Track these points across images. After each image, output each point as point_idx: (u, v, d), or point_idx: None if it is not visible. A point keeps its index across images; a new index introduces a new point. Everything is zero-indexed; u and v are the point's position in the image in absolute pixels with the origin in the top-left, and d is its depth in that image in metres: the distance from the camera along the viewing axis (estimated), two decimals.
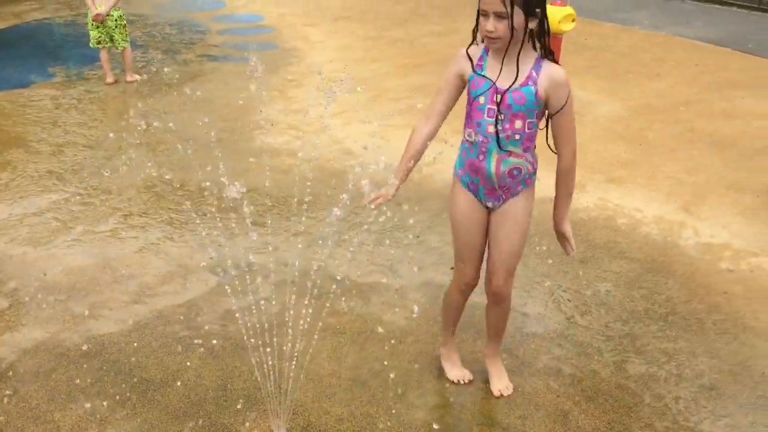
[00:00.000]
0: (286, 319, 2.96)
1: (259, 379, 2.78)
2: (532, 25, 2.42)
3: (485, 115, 2.53)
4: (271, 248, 3.92)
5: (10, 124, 5.71)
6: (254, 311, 3.15)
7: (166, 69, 7.08)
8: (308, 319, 2.90)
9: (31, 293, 3.54)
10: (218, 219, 4.31)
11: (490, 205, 2.71)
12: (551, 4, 6.17)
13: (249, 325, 2.99)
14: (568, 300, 3.62)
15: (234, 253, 3.91)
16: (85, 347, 3.15)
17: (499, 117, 2.50)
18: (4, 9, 9.29)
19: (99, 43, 6.60)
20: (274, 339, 2.88)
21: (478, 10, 2.41)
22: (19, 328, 3.28)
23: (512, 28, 2.37)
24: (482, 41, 2.50)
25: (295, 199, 4.43)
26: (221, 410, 2.81)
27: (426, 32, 8.91)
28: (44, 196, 4.54)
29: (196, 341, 3.20)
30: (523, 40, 2.44)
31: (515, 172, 2.62)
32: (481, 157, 2.60)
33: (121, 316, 3.38)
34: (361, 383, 2.97)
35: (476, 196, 2.71)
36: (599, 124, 6.08)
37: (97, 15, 6.40)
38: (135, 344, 3.18)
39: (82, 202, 4.48)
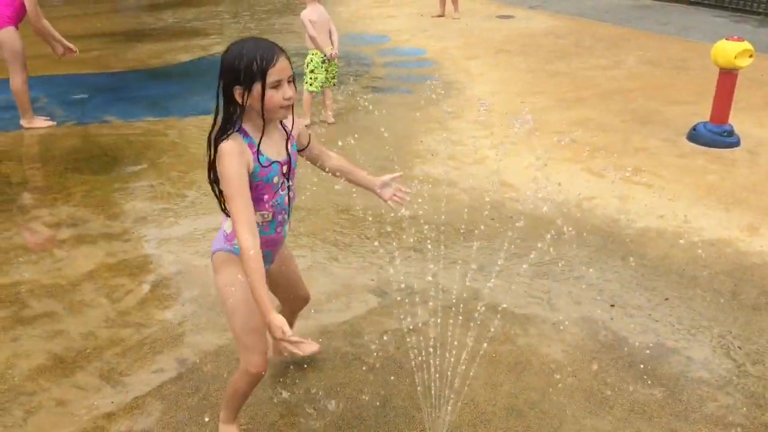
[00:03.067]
0: (445, 343, 3.05)
1: (419, 400, 2.88)
2: None
3: (279, 190, 2.52)
4: (430, 274, 4.04)
5: (196, 147, 6.26)
6: (413, 334, 3.27)
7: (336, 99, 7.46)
8: (466, 345, 2.98)
9: (211, 301, 3.86)
10: (379, 243, 4.51)
11: (269, 266, 2.67)
12: (726, 39, 5.94)
13: (408, 347, 3.11)
14: (739, 347, 3.45)
15: (394, 276, 4.08)
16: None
17: (290, 184, 2.57)
18: (192, 42, 10.21)
19: (322, 85, 6.75)
20: (432, 362, 2.98)
21: (261, 84, 2.30)
22: (201, 332, 3.60)
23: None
24: (237, 128, 2.38)
25: (454, 228, 4.55)
26: (380, 425, 2.94)
27: (589, 65, 8.80)
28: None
29: (357, 358, 3.36)
30: None
31: (285, 229, 2.69)
32: (279, 229, 2.61)
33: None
34: (517, 412, 3.00)
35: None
36: None
37: (333, 55, 6.66)
38: (302, 358, 3.39)
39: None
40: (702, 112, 6.50)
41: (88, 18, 11.90)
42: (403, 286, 3.87)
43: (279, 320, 2.20)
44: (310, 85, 6.72)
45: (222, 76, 2.37)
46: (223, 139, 2.36)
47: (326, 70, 6.71)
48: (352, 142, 6.13)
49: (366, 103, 7.48)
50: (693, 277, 4.05)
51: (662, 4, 12.80)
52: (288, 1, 13.65)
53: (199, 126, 6.76)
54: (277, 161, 2.45)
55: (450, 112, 7.15)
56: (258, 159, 2.39)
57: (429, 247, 4.36)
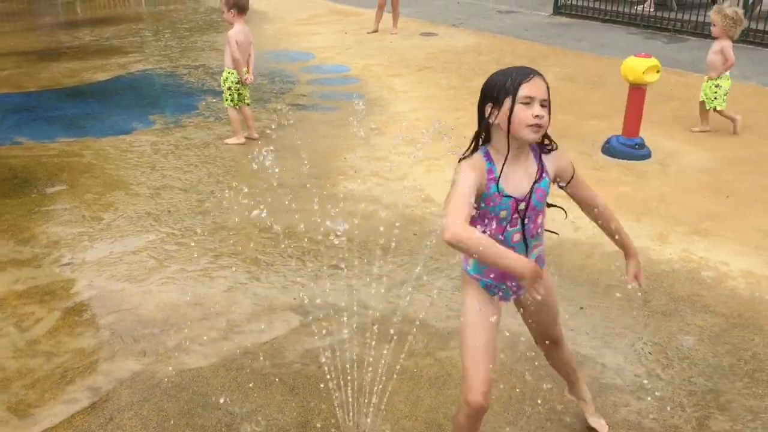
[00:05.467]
0: (366, 360, 3.05)
1: (338, 418, 2.87)
2: None
3: (508, 226, 2.40)
4: (352, 291, 4.04)
5: (113, 168, 6.11)
6: (335, 352, 3.26)
7: (257, 117, 7.40)
8: (387, 361, 2.99)
9: (127, 326, 3.76)
10: (302, 261, 4.48)
11: (515, 297, 2.61)
12: (635, 56, 6.18)
13: (329, 365, 3.10)
14: (649, 353, 3.57)
15: (316, 294, 4.06)
16: (175, 379, 3.32)
17: (525, 222, 2.41)
18: (110, 60, 9.97)
19: (236, 103, 6.71)
20: (354, 379, 2.97)
21: (511, 98, 2.29)
22: (116, 358, 3.49)
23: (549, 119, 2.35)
24: (479, 147, 2.41)
25: (377, 244, 4.57)
26: None
27: None
28: (142, 236, 4.83)
29: (278, 378, 3.33)
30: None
31: (539, 262, 2.51)
32: None
33: (209, 351, 3.55)
34: (437, 426, 3.02)
35: (499, 295, 2.55)
36: (685, 174, 5.98)
37: (248, 80, 6.58)
38: (222, 378, 3.33)
39: (177, 242, 4.74)
40: (616, 126, 6.74)
41: (1, 36, 11.48)
42: (325, 303, 3.86)
43: (531, 263, 2.23)
44: (231, 100, 6.67)
45: (480, 96, 2.41)
46: (465, 157, 2.40)
47: (238, 92, 6.66)
48: (276, 160, 6.11)
49: (290, 120, 7.45)
50: (607, 287, 4.18)
51: (579, 21, 13.24)
52: (210, 18, 13.50)
53: (116, 146, 6.60)
54: (511, 196, 2.35)
55: (373, 128, 7.20)
56: (491, 186, 2.33)
57: (351, 264, 4.36)
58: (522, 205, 2.38)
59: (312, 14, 13.94)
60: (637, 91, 6.23)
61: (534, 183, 2.39)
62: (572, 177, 2.53)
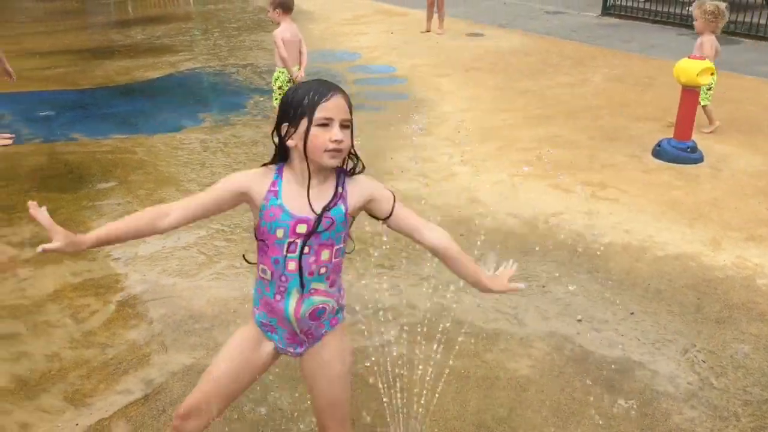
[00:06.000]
0: (413, 360, 3.06)
1: (386, 417, 2.88)
2: None
3: (284, 251, 2.13)
4: (398, 291, 4.05)
5: (164, 165, 6.22)
6: (382, 351, 3.27)
7: None
8: (434, 362, 2.99)
9: (179, 320, 3.83)
10: (348, 260, 4.50)
11: (291, 350, 2.32)
12: (689, 57, 6.07)
13: (377, 364, 3.11)
14: (703, 361, 3.50)
15: (362, 293, 4.08)
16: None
17: (304, 251, 2.12)
18: (161, 58, 10.16)
19: None
20: (401, 379, 2.98)
21: (308, 120, 2.06)
22: (168, 352, 3.56)
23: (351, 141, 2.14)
24: (276, 163, 2.19)
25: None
26: None
27: (557, 83, 8.93)
28: (192, 232, 4.91)
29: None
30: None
31: (318, 313, 2.23)
32: (278, 297, 2.20)
33: None
34: (485, 428, 3.01)
35: (274, 339, 2.32)
36: (738, 178, 5.85)
37: (299, 77, 6.59)
38: (270, 375, 3.37)
39: (226, 239, 4.81)
40: (666, 129, 6.63)
41: (57, 35, 11.78)
42: (371, 303, 3.87)
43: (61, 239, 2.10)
44: (278, 100, 6.72)
45: (278, 113, 2.17)
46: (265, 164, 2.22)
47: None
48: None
49: None
50: (658, 291, 4.11)
51: (628, 22, 13.04)
52: (258, 18, 13.66)
53: (167, 143, 6.73)
54: (291, 214, 2.11)
55: (420, 129, 7.20)
56: (270, 197, 2.13)
57: (398, 264, 4.37)
58: (301, 227, 2.11)
59: (358, 14, 14.00)
60: (690, 94, 6.12)
61: (324, 208, 2.12)
62: (391, 213, 2.22)
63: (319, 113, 2.06)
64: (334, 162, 2.11)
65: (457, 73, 9.45)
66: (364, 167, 2.24)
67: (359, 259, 4.46)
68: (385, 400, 3.00)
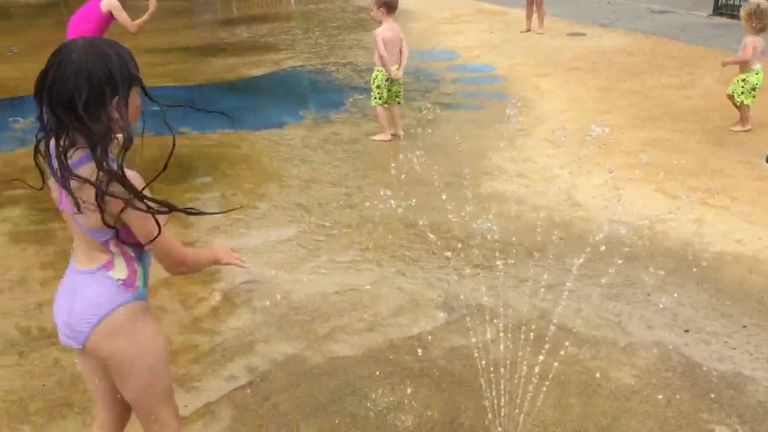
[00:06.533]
0: (513, 363, 3.03)
1: (486, 419, 2.87)
2: None
3: None
4: (498, 292, 4.02)
5: (267, 160, 6.40)
6: (481, 352, 3.25)
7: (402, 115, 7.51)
8: (534, 366, 2.95)
9: (281, 312, 3.94)
10: (447, 259, 4.51)
11: None
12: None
13: (476, 364, 3.10)
14: None
15: (461, 293, 4.08)
16: (325, 367, 3.44)
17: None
18: (265, 57, 10.46)
19: (386, 101, 6.80)
20: (501, 381, 2.96)
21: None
22: (271, 341, 3.67)
23: None
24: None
25: (522, 246, 4.52)
26: None
27: (663, 84, 8.62)
28: (293, 226, 5.03)
29: (425, 373, 3.37)
30: None
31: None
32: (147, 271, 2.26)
33: (357, 341, 3.65)
34: None
35: None
36: None
37: (396, 76, 6.64)
38: (369, 369, 3.42)
39: (326, 234, 4.90)
40: None
41: (167, 33, 12.32)
42: (470, 303, 3.87)
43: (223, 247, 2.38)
44: (379, 99, 6.78)
45: None
46: None
47: (388, 89, 6.76)
48: (422, 157, 6.19)
49: (434, 119, 7.51)
50: None
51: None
52: (358, 17, 13.83)
53: (270, 139, 6.92)
54: None
55: (519, 129, 7.11)
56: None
57: (497, 264, 4.34)
58: None
59: (457, 13, 13.96)
60: None
61: None
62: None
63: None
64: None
65: (558, 73, 9.28)
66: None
67: (457, 258, 4.47)
68: (484, 403, 2.99)
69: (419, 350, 3.55)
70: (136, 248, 2.13)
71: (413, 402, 3.17)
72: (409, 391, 3.25)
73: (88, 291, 2.09)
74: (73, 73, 1.91)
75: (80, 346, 2.13)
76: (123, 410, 2.37)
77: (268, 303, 4.03)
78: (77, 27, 6.47)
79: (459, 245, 4.61)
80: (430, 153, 6.34)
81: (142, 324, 2.17)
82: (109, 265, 2.11)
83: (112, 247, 2.10)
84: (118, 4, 6.45)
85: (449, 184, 5.58)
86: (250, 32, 12.42)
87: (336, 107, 7.97)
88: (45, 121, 1.97)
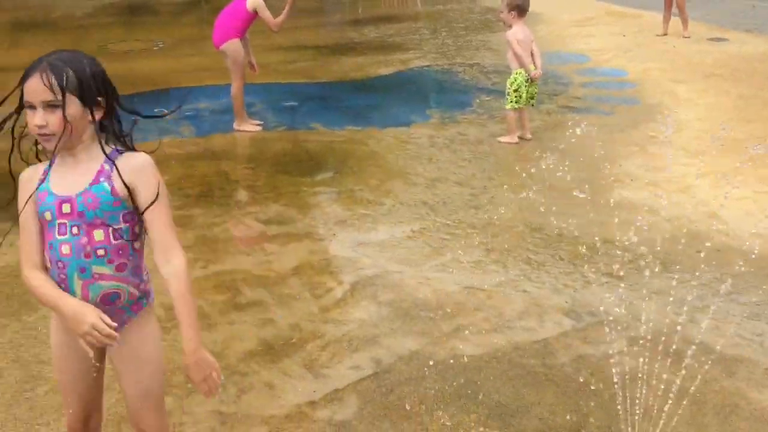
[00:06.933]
0: (643, 377, 2.94)
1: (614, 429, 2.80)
2: (98, 116, 2.07)
3: (56, 234, 2.06)
4: (626, 302, 3.90)
5: (394, 158, 6.50)
6: (610, 363, 3.18)
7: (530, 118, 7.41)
8: (667, 381, 2.85)
9: (406, 307, 3.99)
10: (574, 265, 4.43)
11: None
12: None
13: (604, 375, 3.03)
14: None
15: (588, 300, 4.00)
16: (450, 364, 3.47)
17: (73, 231, 2.05)
18: (392, 56, 10.60)
19: (526, 103, 6.74)
20: (630, 394, 2.88)
21: (22, 105, 2.02)
22: (395, 335, 3.73)
23: (66, 121, 1.98)
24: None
25: (656, 257, 4.36)
26: None
27: None
28: (419, 223, 5.09)
29: (550, 379, 3.33)
30: (86, 134, 2.08)
31: (112, 298, 2.12)
32: (62, 285, 2.09)
33: (481, 341, 3.65)
34: None
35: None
36: None
37: (536, 75, 6.63)
38: (493, 370, 3.41)
39: (450, 233, 4.93)
40: None
41: (298, 31, 12.70)
42: (599, 311, 3.78)
43: (81, 304, 2.03)
44: (516, 102, 6.71)
45: None
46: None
47: (526, 91, 6.69)
48: (549, 162, 6.10)
49: (563, 123, 7.38)
50: None
51: None
52: (485, 18, 13.76)
53: (396, 137, 7.02)
54: (57, 194, 2.07)
55: (652, 136, 6.87)
56: (39, 185, 2.10)
57: (627, 274, 4.21)
58: (66, 207, 2.05)
59: (587, 16, 13.61)
60: None
61: (95, 180, 2.06)
62: (151, 204, 2.06)
63: (25, 96, 2.02)
64: (49, 145, 2.04)
65: (696, 80, 8.86)
66: (133, 147, 2.17)
67: (585, 265, 4.37)
68: (613, 414, 2.92)
69: (544, 355, 3.52)
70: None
71: (538, 406, 3.14)
72: (534, 394, 3.22)
73: None
74: None
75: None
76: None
77: (392, 297, 4.10)
78: (223, 23, 6.83)
79: (587, 252, 4.50)
80: (557, 157, 6.22)
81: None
82: None
83: None
84: (262, 2, 6.75)
85: (577, 190, 5.45)
86: (378, 32, 12.62)
87: (462, 107, 7.98)
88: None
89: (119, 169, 2.06)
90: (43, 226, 2.09)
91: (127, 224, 2.11)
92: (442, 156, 6.50)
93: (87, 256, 2.06)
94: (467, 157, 6.46)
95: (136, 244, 2.16)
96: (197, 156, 6.54)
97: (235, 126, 7.24)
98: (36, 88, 1.98)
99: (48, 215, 2.07)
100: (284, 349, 3.61)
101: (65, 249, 2.06)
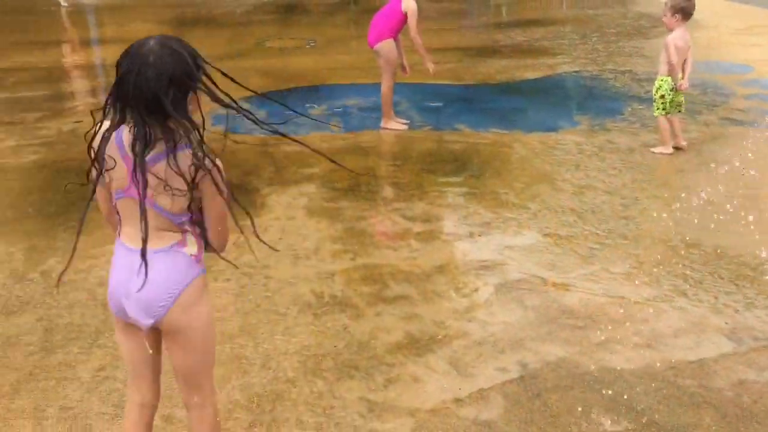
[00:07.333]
0: None
1: None
2: None
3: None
4: None
5: (539, 162, 6.40)
6: None
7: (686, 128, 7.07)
8: None
9: (552, 313, 3.92)
10: (735, 285, 4.18)
11: None
12: None
13: None
14: None
15: (751, 323, 3.77)
16: (598, 375, 3.38)
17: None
18: (539, 60, 10.43)
19: (668, 111, 6.48)
20: None
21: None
22: (542, 340, 3.67)
23: None
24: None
25: None
26: None
27: None
28: (566, 230, 4.97)
29: (708, 402, 3.17)
30: None
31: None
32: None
33: (633, 355, 3.53)
34: None
35: None
36: None
37: (683, 87, 6.36)
38: (645, 386, 3.29)
39: (600, 242, 4.78)
40: None
41: (445, 33, 12.78)
42: (764, 336, 3.55)
43: None
44: (662, 109, 6.44)
45: None
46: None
47: (671, 99, 6.39)
48: (706, 174, 5.79)
49: (722, 135, 6.98)
50: None
51: None
52: (638, 24, 13.25)
53: (543, 142, 6.90)
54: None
55: None
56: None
57: None
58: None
59: (752, 24, 12.80)
60: None
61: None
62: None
63: None
64: None
65: None
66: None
67: (748, 286, 4.13)
68: None
69: (702, 377, 3.35)
70: (201, 227, 2.29)
71: (696, 429, 3.00)
72: (691, 416, 3.07)
73: (165, 267, 2.21)
74: (155, 76, 2.03)
75: (152, 320, 2.24)
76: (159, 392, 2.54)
77: (539, 303, 4.04)
78: (379, 24, 6.99)
79: (751, 273, 4.25)
80: (715, 170, 5.91)
81: (207, 296, 2.34)
82: (182, 243, 2.25)
83: (187, 226, 2.25)
84: (414, 8, 6.84)
85: (738, 206, 5.16)
86: (525, 35, 12.44)
87: (613, 115, 7.72)
88: (115, 119, 2.12)
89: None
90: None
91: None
92: (591, 163, 6.32)
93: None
94: (617, 165, 6.25)
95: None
96: (345, 151, 6.72)
97: (382, 124, 7.38)
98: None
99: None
100: (429, 345, 3.64)
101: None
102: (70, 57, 11.61)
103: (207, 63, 2.16)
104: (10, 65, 10.47)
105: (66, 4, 16.06)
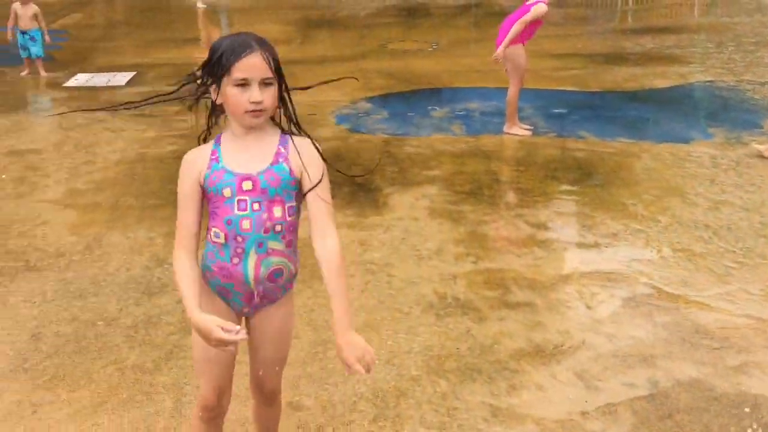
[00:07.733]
0: None
1: None
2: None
3: (235, 210, 2.12)
4: None
5: (670, 174, 6.15)
6: None
7: None
8: None
9: (685, 331, 3.76)
10: None
11: (246, 310, 2.30)
12: None
13: None
14: None
15: None
16: (736, 399, 3.21)
17: (254, 207, 2.12)
18: (670, 68, 10.03)
19: None
20: None
21: (226, 81, 2.07)
22: (673, 359, 3.53)
23: (279, 98, 2.13)
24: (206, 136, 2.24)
25: None
26: None
27: None
28: (699, 246, 4.76)
29: None
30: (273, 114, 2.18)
31: (276, 275, 2.21)
32: (235, 260, 2.17)
33: None
34: None
35: (228, 302, 2.27)
36: None
37: None
38: None
39: (737, 261, 4.55)
40: None
41: (570, 39, 12.53)
42: None
43: (204, 321, 1.99)
44: None
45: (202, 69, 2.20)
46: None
47: None
48: None
49: None
50: None
51: None
52: None
53: (673, 153, 6.64)
54: (236, 172, 2.12)
55: None
56: (213, 164, 2.15)
57: None
58: (247, 184, 2.12)
59: None
60: None
61: (273, 162, 2.15)
62: (309, 190, 2.15)
63: (235, 73, 2.06)
64: (257, 122, 2.12)
65: None
66: (306, 134, 2.23)
67: None
68: None
69: None
70: None
71: None
72: None
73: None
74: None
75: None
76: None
77: (670, 320, 3.89)
78: (507, 28, 6.92)
79: None
80: None
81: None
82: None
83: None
84: (543, 10, 6.72)
85: None
86: (655, 43, 11.99)
87: (751, 128, 7.32)
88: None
89: (299, 151, 2.16)
90: (218, 203, 2.15)
91: (298, 203, 2.21)
92: (727, 178, 6.02)
93: (266, 231, 2.14)
94: (756, 182, 5.92)
95: (298, 223, 2.24)
96: (467, 154, 6.72)
97: (506, 129, 7.32)
98: (258, 65, 2.06)
99: (228, 192, 2.13)
100: (554, 354, 3.58)
101: (246, 224, 2.13)
102: (204, 54, 12.19)
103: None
104: (151, 61, 11.13)
105: (204, 6, 16.90)
